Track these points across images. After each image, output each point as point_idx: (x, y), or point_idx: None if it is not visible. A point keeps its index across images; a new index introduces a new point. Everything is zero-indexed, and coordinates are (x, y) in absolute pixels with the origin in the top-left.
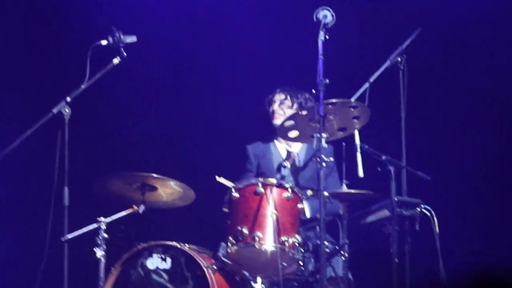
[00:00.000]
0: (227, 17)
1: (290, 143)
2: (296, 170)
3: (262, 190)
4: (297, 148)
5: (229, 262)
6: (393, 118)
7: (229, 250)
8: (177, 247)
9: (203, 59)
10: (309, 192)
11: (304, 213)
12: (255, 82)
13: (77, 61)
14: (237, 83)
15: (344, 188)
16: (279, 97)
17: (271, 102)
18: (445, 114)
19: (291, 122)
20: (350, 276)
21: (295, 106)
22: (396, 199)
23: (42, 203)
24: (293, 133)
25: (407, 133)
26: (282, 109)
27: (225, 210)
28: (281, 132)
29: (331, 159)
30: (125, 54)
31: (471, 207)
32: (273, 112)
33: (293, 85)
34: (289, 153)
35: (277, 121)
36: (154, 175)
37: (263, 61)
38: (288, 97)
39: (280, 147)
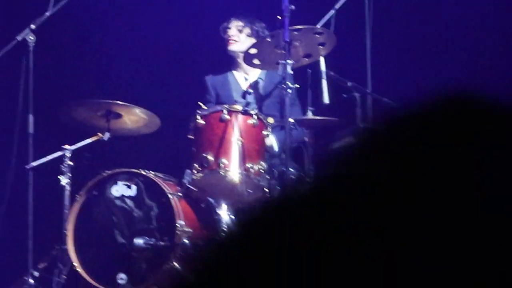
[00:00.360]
0: None
1: (248, 71)
2: (256, 98)
3: (227, 116)
4: (255, 76)
5: (194, 189)
6: (359, 44)
7: (194, 177)
8: (142, 174)
9: None
10: (270, 120)
11: (272, 147)
12: (217, 7)
13: None
14: (203, 10)
15: (310, 115)
16: (236, 23)
17: (226, 29)
18: (411, 40)
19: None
20: None
21: (253, 34)
22: (361, 126)
23: (7, 131)
24: (257, 61)
25: (372, 60)
26: (239, 36)
27: (191, 137)
28: (247, 59)
29: (297, 85)
30: None
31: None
32: (228, 38)
33: (253, 12)
34: (250, 85)
35: (233, 47)
36: (119, 102)
37: None
38: (246, 24)
39: (239, 76)
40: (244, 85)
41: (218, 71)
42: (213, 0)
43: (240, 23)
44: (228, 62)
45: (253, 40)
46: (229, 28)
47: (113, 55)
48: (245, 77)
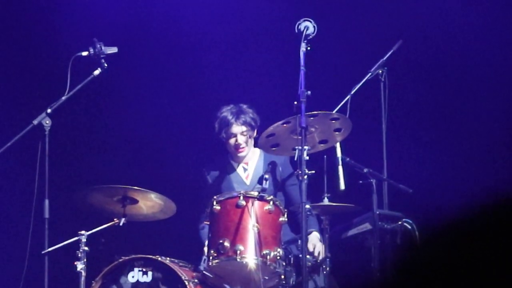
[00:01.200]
0: (205, 26)
1: (246, 160)
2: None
3: (243, 202)
4: (254, 164)
5: (210, 275)
6: (375, 130)
7: (210, 264)
8: (158, 260)
9: (181, 68)
10: None
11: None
12: (236, 94)
13: (58, 72)
14: (218, 95)
15: (326, 201)
16: (240, 129)
17: (230, 135)
18: (427, 126)
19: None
20: None
21: (254, 131)
22: (377, 213)
23: (23, 216)
24: (273, 147)
25: (388, 146)
26: (247, 141)
27: (207, 223)
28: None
29: (312, 171)
30: (106, 65)
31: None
32: (237, 146)
33: (266, 99)
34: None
35: (243, 153)
36: (135, 187)
37: (244, 73)
38: (248, 128)
39: (238, 167)
40: (244, 176)
41: (215, 163)
42: (232, 82)
43: (244, 128)
44: (226, 153)
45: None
46: (235, 135)
47: (128, 141)
48: (244, 167)
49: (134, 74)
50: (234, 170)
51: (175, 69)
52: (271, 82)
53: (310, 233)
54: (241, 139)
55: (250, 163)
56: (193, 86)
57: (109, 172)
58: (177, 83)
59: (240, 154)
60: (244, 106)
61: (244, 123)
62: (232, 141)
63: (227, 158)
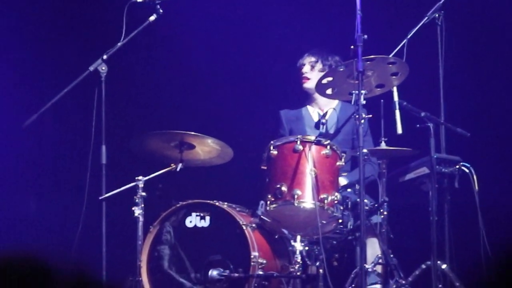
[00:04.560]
0: None
1: (323, 106)
2: (330, 129)
3: (300, 147)
4: (329, 112)
5: (268, 220)
6: (431, 74)
7: (268, 208)
8: (216, 206)
9: (239, 19)
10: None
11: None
12: (293, 41)
13: (114, 19)
14: (277, 41)
15: (383, 145)
16: (309, 59)
17: (301, 66)
18: (483, 70)
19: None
20: (390, 235)
21: (325, 68)
22: (435, 157)
23: (80, 162)
24: (329, 91)
25: (445, 89)
26: (311, 73)
27: (264, 168)
28: (320, 89)
29: (369, 116)
30: (161, 11)
31: (510, 163)
32: (302, 75)
33: (325, 46)
34: (324, 114)
35: (307, 84)
36: (192, 133)
37: (299, 21)
38: (319, 60)
39: (313, 111)
40: (320, 117)
41: (293, 105)
42: (288, 34)
43: (313, 59)
44: (304, 97)
45: None
46: (303, 65)
47: (186, 86)
48: (319, 112)
49: (191, 17)
50: (308, 114)
51: (234, 17)
52: (327, 26)
53: None
54: (306, 68)
55: (326, 109)
56: (250, 34)
57: (166, 118)
58: (235, 29)
59: (304, 85)
60: (326, 50)
61: (315, 56)
62: (301, 71)
63: (304, 102)
